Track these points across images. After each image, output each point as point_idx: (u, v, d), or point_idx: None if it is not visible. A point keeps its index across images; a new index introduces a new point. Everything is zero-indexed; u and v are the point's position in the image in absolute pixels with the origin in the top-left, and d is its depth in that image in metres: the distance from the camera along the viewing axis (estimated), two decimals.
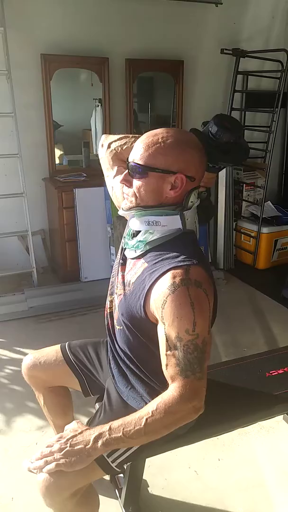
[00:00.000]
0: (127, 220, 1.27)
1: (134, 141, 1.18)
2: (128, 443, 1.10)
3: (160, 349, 1.08)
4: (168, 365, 1.05)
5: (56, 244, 3.54)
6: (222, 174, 3.63)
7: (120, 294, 1.21)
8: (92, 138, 3.77)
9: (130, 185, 1.13)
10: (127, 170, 1.13)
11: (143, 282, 1.11)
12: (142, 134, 1.14)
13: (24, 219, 3.22)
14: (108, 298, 1.32)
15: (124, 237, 1.26)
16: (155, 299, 1.06)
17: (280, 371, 1.70)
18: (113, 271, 1.31)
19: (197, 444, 1.48)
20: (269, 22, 4.01)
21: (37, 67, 3.26)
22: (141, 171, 1.09)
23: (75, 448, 1.06)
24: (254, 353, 1.93)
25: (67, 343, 1.52)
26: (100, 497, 1.37)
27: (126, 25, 3.46)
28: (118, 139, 1.36)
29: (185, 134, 1.14)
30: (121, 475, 1.53)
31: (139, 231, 1.17)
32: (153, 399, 1.08)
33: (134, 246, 1.18)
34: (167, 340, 1.04)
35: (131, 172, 1.11)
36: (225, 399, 1.52)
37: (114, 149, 1.35)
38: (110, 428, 1.06)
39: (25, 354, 1.75)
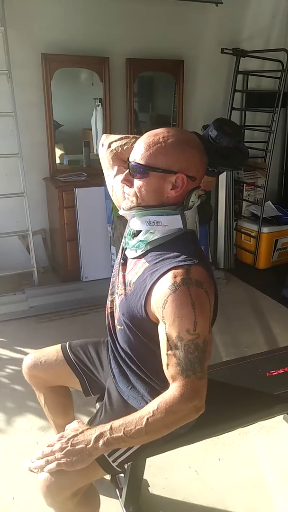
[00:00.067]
0: (127, 219, 1.27)
1: (135, 141, 1.18)
2: (129, 443, 1.10)
3: (161, 349, 1.08)
4: (169, 365, 1.05)
5: (57, 244, 3.54)
6: (223, 174, 3.62)
7: (121, 294, 1.21)
8: (92, 137, 3.78)
9: (131, 185, 1.13)
10: (128, 170, 1.13)
11: (144, 282, 1.11)
12: (142, 134, 1.14)
13: (24, 219, 3.22)
14: (109, 298, 1.32)
15: (125, 236, 1.26)
16: (156, 299, 1.06)
17: (280, 371, 1.70)
18: (113, 271, 1.31)
19: (197, 444, 1.48)
20: (269, 21, 4.01)
21: (37, 67, 3.26)
22: (142, 171, 1.09)
23: (76, 447, 1.06)
24: (255, 353, 1.94)
25: (67, 343, 1.52)
26: (101, 496, 1.38)
27: (126, 25, 3.46)
28: (119, 139, 1.36)
29: (186, 133, 1.14)
30: (122, 474, 1.53)
31: (140, 231, 1.17)
32: (154, 398, 1.08)
33: (135, 246, 1.18)
34: (168, 340, 1.04)
35: (132, 172, 1.11)
36: (225, 399, 1.52)
37: (115, 149, 1.35)
38: (111, 428, 1.06)
39: (25, 353, 1.75)
